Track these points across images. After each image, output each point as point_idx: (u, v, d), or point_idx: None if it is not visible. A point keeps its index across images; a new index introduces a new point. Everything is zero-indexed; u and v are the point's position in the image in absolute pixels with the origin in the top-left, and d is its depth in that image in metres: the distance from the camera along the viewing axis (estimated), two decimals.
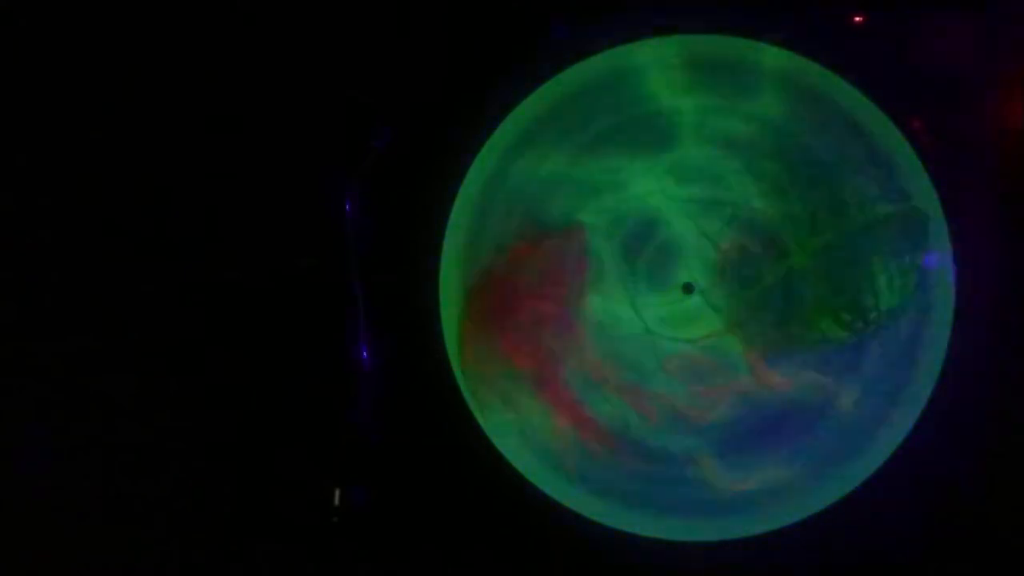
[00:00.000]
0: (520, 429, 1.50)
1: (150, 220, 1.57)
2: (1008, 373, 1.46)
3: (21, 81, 1.58)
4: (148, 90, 1.57)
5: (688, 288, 1.50)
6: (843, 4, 1.50)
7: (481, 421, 1.49)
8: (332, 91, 1.55)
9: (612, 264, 1.51)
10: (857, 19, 1.49)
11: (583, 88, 1.51)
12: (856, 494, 1.45)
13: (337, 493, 1.51)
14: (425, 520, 1.52)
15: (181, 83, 1.57)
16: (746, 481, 1.48)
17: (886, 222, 1.45)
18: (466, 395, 1.50)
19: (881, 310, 1.45)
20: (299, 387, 1.53)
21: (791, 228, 1.48)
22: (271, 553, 1.53)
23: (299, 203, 1.55)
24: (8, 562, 1.52)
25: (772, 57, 1.48)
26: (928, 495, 1.46)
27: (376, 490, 1.52)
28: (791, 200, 1.48)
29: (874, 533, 1.46)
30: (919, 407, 1.45)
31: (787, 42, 1.48)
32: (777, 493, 1.47)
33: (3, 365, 1.55)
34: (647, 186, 1.50)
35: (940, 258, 1.46)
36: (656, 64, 1.50)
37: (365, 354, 1.52)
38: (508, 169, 1.51)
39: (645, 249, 1.51)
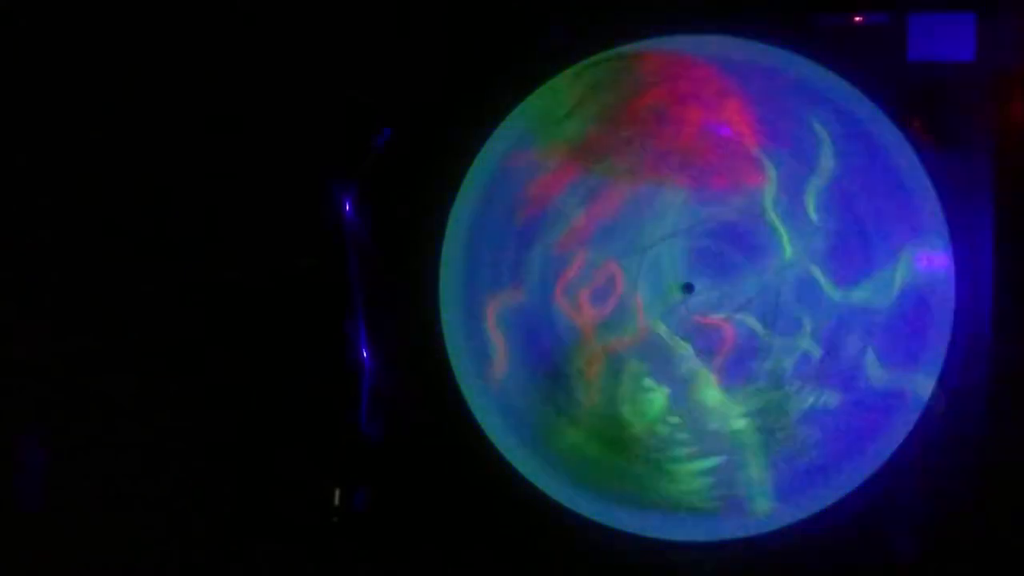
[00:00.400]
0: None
1: (150, 220, 1.57)
2: (1008, 373, 1.46)
3: (21, 81, 1.58)
4: (148, 90, 1.57)
5: (688, 288, 1.50)
6: (843, 4, 1.50)
7: (481, 421, 1.49)
8: (332, 91, 1.55)
9: None
10: (857, 19, 1.49)
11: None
12: (856, 494, 1.45)
13: (337, 493, 1.51)
14: (425, 520, 1.52)
15: (181, 83, 1.57)
16: None
17: None
18: (466, 395, 1.50)
19: None
20: (299, 387, 1.53)
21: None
22: (271, 553, 1.53)
23: (299, 203, 1.55)
24: (8, 562, 1.52)
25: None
26: (927, 496, 1.46)
27: (376, 490, 1.52)
28: None
29: (873, 533, 1.46)
30: (919, 407, 1.45)
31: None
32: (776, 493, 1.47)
33: (3, 365, 1.55)
34: None
35: (939, 258, 1.46)
36: None
37: (365, 354, 1.52)
38: (508, 169, 1.51)
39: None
